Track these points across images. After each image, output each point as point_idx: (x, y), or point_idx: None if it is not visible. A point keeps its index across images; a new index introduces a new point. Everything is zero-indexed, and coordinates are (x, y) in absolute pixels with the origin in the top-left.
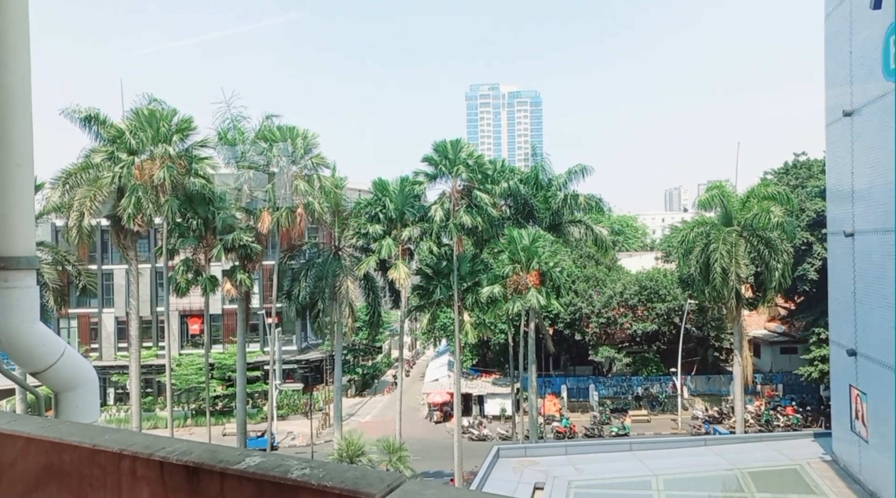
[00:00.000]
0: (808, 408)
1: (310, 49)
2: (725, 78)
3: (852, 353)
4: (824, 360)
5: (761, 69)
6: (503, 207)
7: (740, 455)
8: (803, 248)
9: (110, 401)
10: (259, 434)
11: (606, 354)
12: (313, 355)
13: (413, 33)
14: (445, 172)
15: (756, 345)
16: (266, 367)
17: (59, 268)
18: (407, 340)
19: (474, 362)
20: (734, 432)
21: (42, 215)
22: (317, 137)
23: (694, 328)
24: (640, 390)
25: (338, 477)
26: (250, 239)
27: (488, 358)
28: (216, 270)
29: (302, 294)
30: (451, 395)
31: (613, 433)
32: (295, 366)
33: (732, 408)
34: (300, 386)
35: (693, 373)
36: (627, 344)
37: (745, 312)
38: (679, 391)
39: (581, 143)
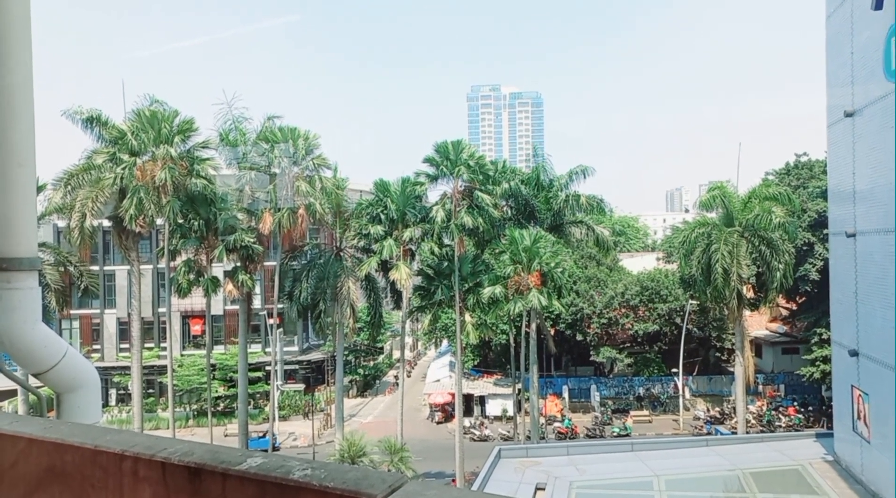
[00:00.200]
0: (810, 408)
1: (311, 50)
2: (726, 79)
3: (854, 353)
4: (826, 360)
5: (762, 70)
6: (504, 208)
7: (742, 455)
8: (805, 248)
9: (112, 402)
10: (260, 435)
11: (608, 354)
12: (315, 356)
13: (414, 34)
14: (447, 173)
15: (758, 345)
16: (267, 367)
17: (61, 269)
18: (408, 340)
19: (476, 363)
20: (736, 433)
21: (44, 216)
22: (318, 138)
23: (695, 329)
24: (641, 391)
25: (339, 478)
26: (252, 240)
27: (490, 359)
28: (218, 270)
29: (303, 295)
30: (453, 395)
31: (615, 434)
32: (296, 366)
33: (734, 408)
34: (302, 387)
35: (694, 373)
36: (629, 344)
37: (747, 313)
38: (680, 392)
39: (582, 144)
